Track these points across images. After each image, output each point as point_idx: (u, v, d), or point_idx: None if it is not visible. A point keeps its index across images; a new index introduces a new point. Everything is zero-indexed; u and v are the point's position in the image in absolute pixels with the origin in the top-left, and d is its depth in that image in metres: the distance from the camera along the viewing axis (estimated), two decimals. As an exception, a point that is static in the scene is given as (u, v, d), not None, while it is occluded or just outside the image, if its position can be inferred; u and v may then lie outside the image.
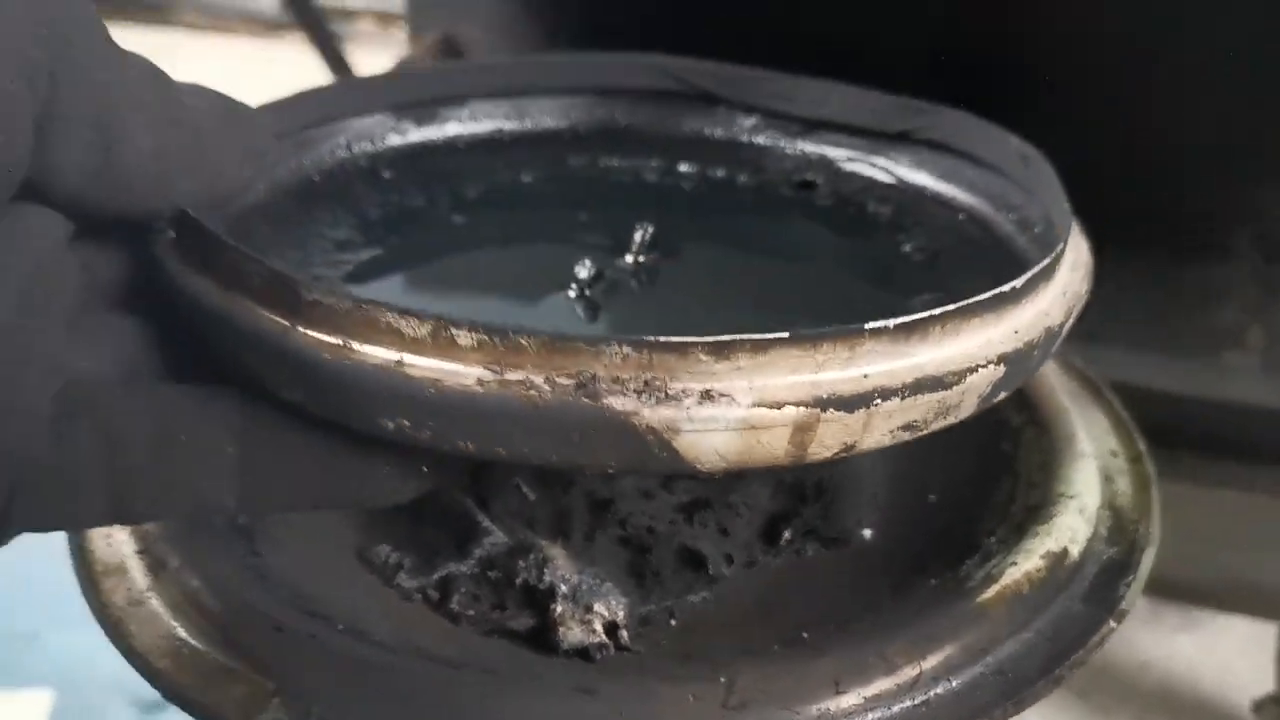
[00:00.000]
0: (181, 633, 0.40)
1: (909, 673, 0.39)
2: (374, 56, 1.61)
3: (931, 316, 0.34)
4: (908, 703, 0.38)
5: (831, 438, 0.34)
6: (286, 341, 0.34)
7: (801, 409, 0.33)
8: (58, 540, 0.41)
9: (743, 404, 0.33)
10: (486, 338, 0.32)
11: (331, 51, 1.29)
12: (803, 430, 0.33)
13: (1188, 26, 0.77)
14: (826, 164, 0.59)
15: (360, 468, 0.36)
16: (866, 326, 0.33)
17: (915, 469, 0.51)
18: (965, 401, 0.36)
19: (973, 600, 0.42)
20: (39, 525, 0.33)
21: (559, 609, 0.43)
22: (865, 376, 0.34)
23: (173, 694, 0.38)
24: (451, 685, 0.38)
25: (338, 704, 0.37)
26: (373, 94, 0.58)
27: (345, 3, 3.08)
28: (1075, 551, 0.45)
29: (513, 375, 0.32)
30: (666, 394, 0.32)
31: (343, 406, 0.34)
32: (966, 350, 0.36)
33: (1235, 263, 0.81)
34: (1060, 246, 0.41)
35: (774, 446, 0.34)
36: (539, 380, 0.32)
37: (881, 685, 0.38)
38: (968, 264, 0.51)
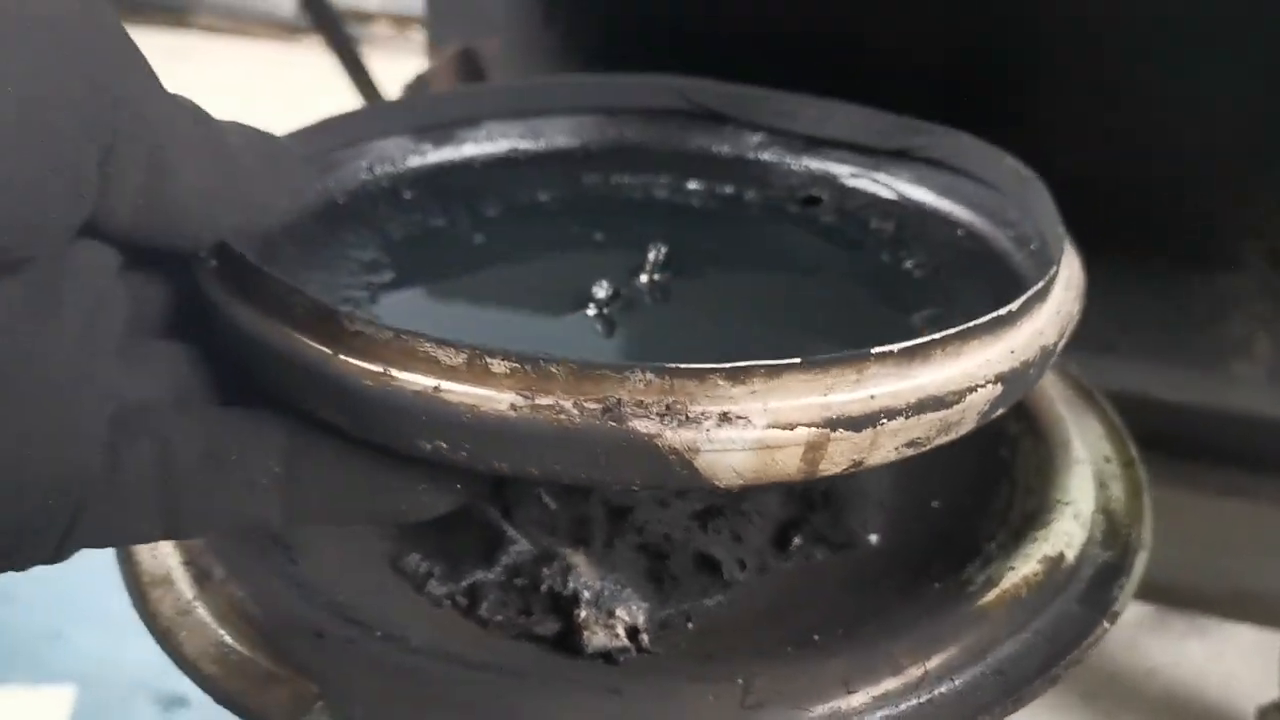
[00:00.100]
0: (228, 640, 0.42)
1: (914, 673, 0.41)
2: (391, 60, 1.59)
3: (933, 340, 0.36)
4: (913, 701, 0.40)
5: (841, 455, 0.36)
6: (329, 369, 0.35)
7: (812, 429, 0.35)
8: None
9: (758, 425, 0.34)
10: (519, 365, 0.34)
11: (348, 54, 1.29)
12: (814, 449, 0.35)
13: (1203, 37, 0.77)
14: (830, 180, 0.60)
15: (398, 485, 0.37)
16: (873, 351, 0.35)
17: (918, 476, 0.53)
18: (966, 419, 0.38)
19: (974, 603, 0.44)
20: (98, 542, 0.35)
21: (583, 614, 0.45)
22: (872, 398, 0.35)
23: (223, 698, 0.40)
24: (485, 687, 0.40)
25: (378, 706, 0.39)
26: (393, 117, 0.60)
27: (362, 6, 3.08)
28: (1071, 555, 0.46)
29: (543, 400, 0.34)
30: (687, 417, 0.34)
31: (383, 430, 0.35)
32: (966, 371, 0.37)
33: (1244, 274, 0.81)
34: (1054, 268, 0.42)
35: (787, 464, 0.35)
36: (568, 405, 0.34)
37: (889, 685, 0.40)
38: (967, 278, 0.52)
